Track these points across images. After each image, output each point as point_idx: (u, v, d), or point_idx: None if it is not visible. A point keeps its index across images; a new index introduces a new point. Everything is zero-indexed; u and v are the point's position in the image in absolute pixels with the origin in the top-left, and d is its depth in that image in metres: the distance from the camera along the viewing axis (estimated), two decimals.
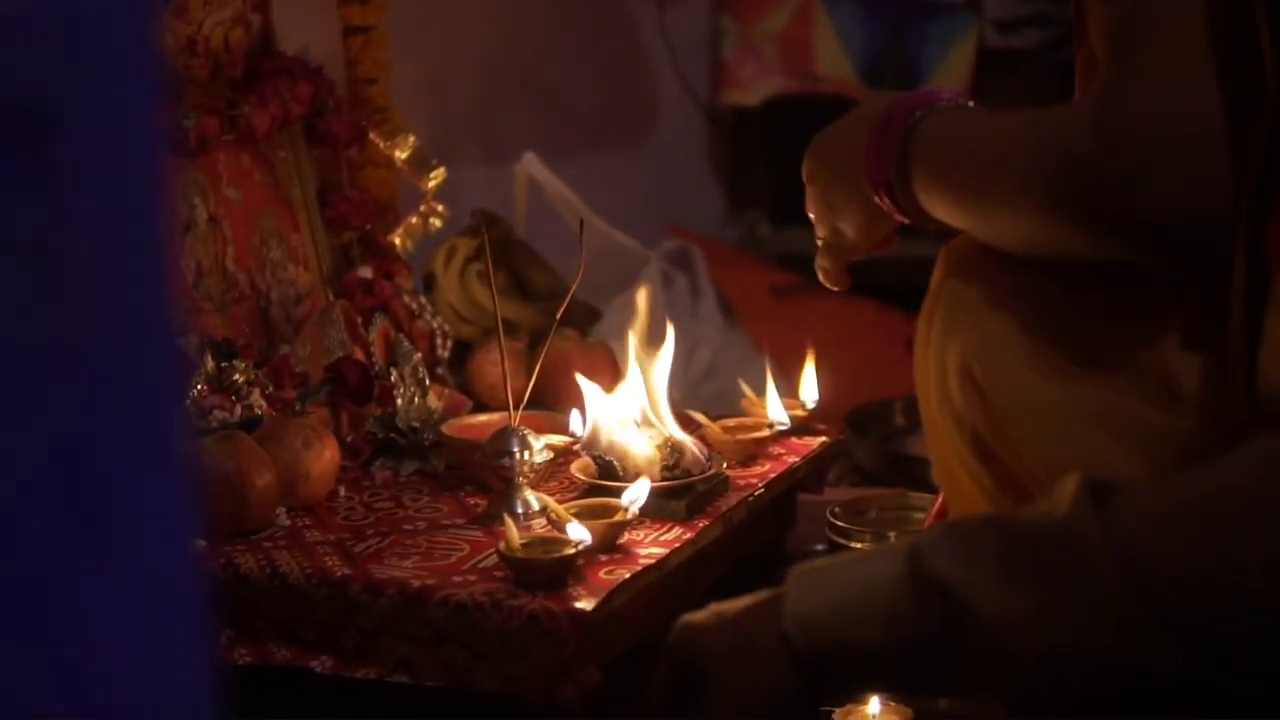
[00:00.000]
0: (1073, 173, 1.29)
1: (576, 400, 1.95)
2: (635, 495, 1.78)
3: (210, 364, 1.98)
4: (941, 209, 1.47)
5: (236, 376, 1.99)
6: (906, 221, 1.56)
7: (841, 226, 1.64)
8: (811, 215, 1.68)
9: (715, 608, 1.40)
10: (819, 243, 1.69)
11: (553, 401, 2.12)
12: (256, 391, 2.00)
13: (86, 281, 0.72)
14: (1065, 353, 1.41)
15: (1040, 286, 1.43)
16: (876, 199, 1.54)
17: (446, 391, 2.20)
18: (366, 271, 2.31)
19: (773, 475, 2.00)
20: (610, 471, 1.87)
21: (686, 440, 1.90)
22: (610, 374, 2.17)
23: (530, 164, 2.72)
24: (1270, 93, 1.26)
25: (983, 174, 1.42)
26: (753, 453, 2.04)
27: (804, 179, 1.67)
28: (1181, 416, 1.36)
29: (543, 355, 1.95)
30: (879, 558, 1.34)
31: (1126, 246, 1.29)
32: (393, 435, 2.06)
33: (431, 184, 2.36)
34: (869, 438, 2.51)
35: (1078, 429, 1.40)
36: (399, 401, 2.09)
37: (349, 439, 2.07)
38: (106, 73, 0.68)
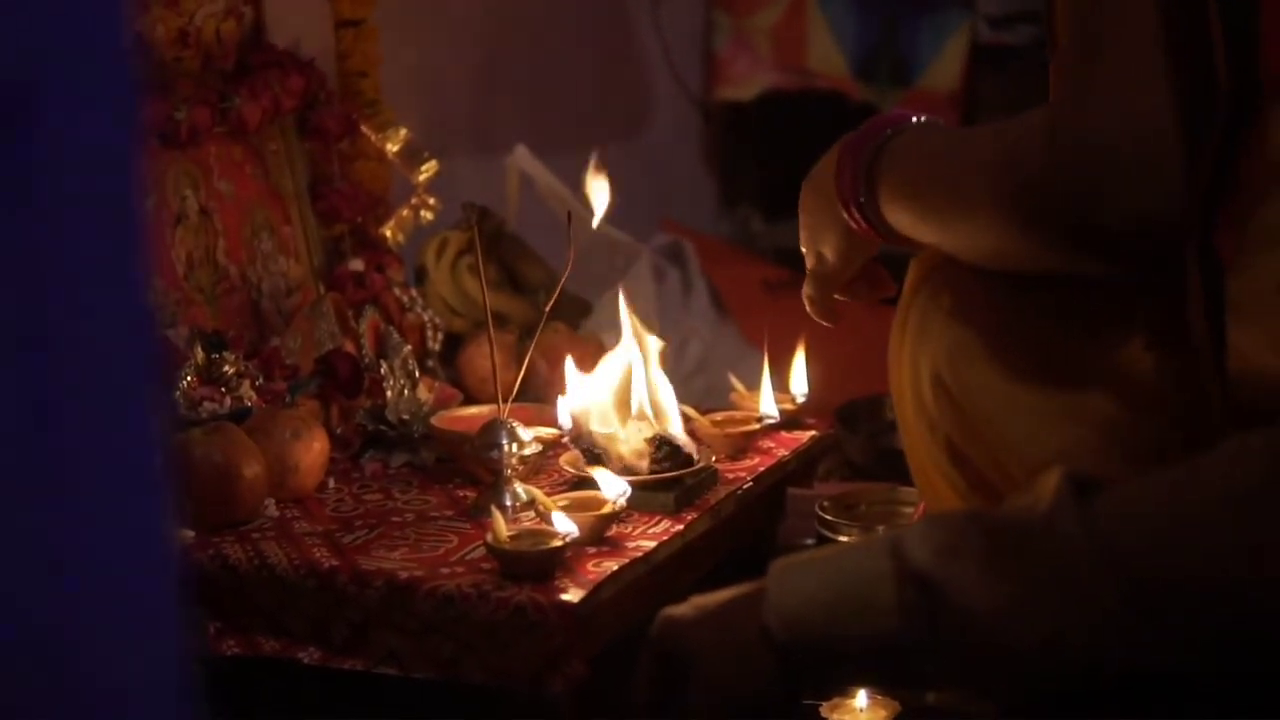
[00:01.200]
0: (1028, 186, 1.29)
1: (564, 392, 1.95)
2: (623, 488, 1.78)
3: (200, 355, 1.98)
4: (907, 224, 1.48)
5: (226, 368, 1.99)
6: (880, 242, 1.56)
7: (824, 252, 1.64)
8: (802, 247, 1.68)
9: (696, 600, 1.40)
10: (807, 271, 1.69)
11: (542, 394, 2.12)
12: (246, 383, 2.00)
13: (60, 269, 0.72)
14: (1035, 357, 1.42)
15: (1009, 294, 1.43)
16: (845, 215, 1.54)
17: (436, 384, 2.20)
18: (357, 264, 2.31)
19: (762, 469, 2.00)
20: (598, 464, 1.87)
21: (676, 434, 1.90)
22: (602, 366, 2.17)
23: (522, 158, 2.72)
24: (1219, 103, 1.27)
25: (944, 189, 1.43)
26: (742, 446, 2.04)
27: (799, 211, 1.67)
28: (1153, 416, 1.37)
29: (532, 348, 1.96)
30: (860, 551, 1.34)
31: (1082, 257, 1.29)
32: (382, 427, 2.06)
33: (423, 177, 2.36)
34: (859, 433, 2.51)
35: (1049, 431, 1.40)
36: (389, 394, 2.09)
37: (339, 431, 2.07)
38: (81, 58, 0.68)
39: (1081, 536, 1.22)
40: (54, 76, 0.68)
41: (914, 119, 1.51)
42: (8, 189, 0.67)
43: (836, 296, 1.68)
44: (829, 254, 1.63)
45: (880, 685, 1.67)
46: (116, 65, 0.69)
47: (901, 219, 1.48)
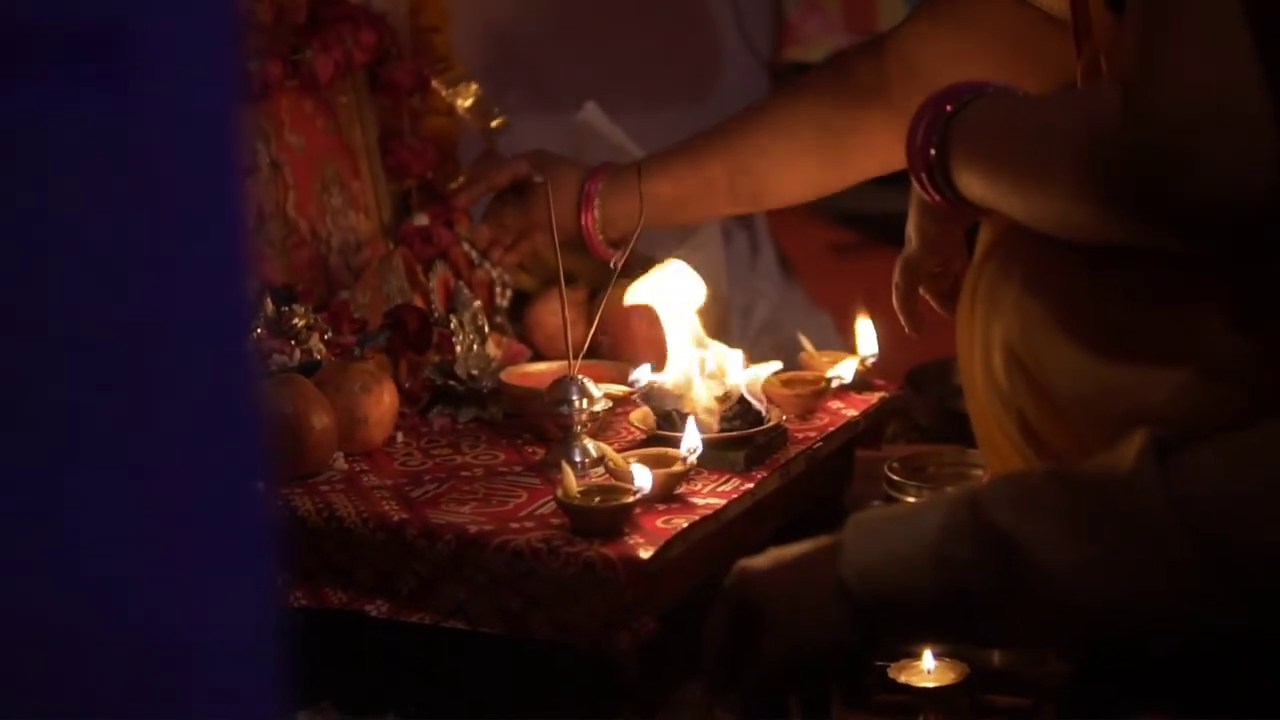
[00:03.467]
0: (1106, 159, 1.26)
1: (636, 349, 1.95)
2: (694, 444, 1.77)
3: (270, 308, 1.99)
4: (980, 192, 1.45)
5: (296, 321, 1.99)
6: (960, 220, 1.55)
7: (910, 233, 1.62)
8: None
9: (773, 552, 1.40)
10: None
11: (611, 352, 2.12)
12: (316, 336, 2.00)
13: (162, 212, 0.71)
14: (1113, 332, 1.39)
15: (1083, 266, 1.40)
16: (916, 183, 1.52)
17: (505, 340, 2.20)
18: (425, 219, 2.30)
19: (831, 429, 1.99)
20: (669, 422, 1.87)
21: (746, 391, 1.89)
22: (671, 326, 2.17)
23: (592, 114, 2.71)
24: None
25: (1021, 157, 1.40)
26: (811, 407, 2.03)
27: None
28: (1235, 392, 1.34)
29: (602, 305, 1.95)
30: (938, 507, 1.34)
31: (1162, 229, 1.26)
32: (451, 382, 2.06)
33: (495, 126, 2.36)
34: (927, 395, 2.50)
35: (1126, 406, 1.37)
36: (458, 349, 2.09)
37: (407, 385, 2.07)
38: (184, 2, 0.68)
39: (1163, 495, 1.21)
40: (157, 18, 0.68)
41: (992, 86, 1.49)
42: (113, 126, 0.67)
43: (922, 293, 1.66)
44: (912, 234, 1.61)
45: (953, 641, 1.66)
46: (215, 11, 0.69)
47: (974, 187, 1.45)
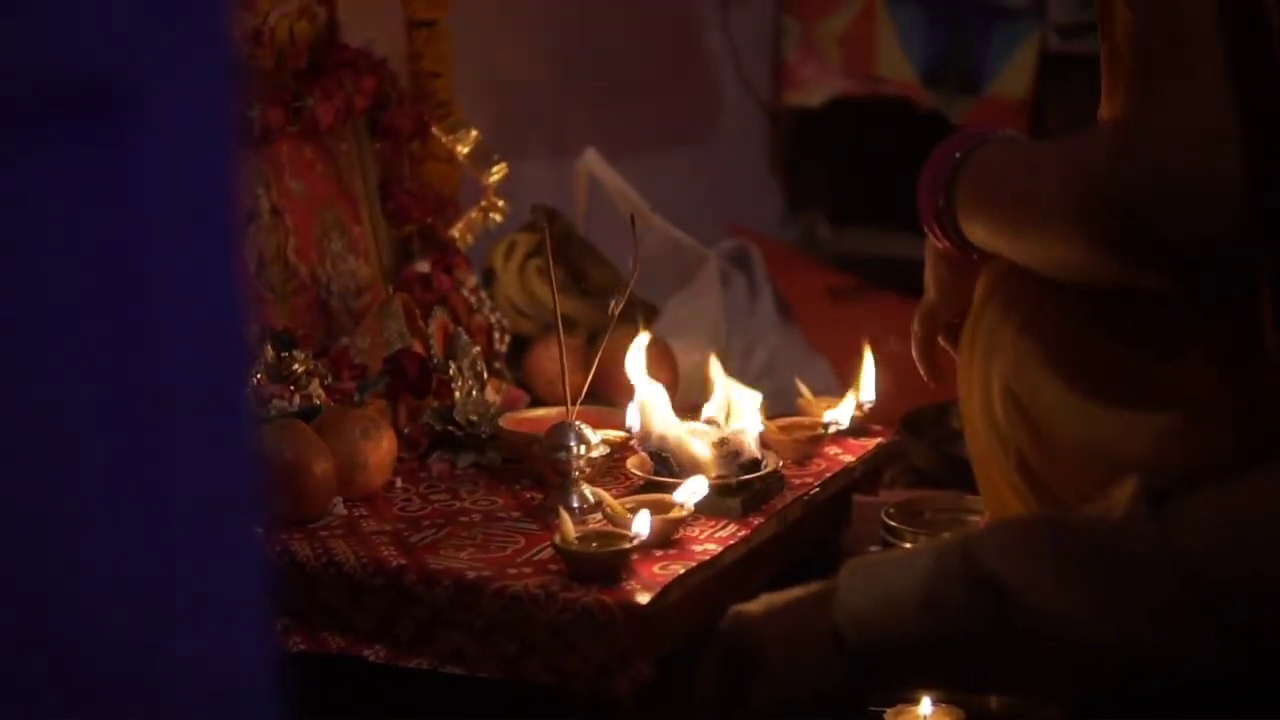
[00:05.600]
0: (1092, 200, 1.29)
1: (632, 396, 1.95)
2: (691, 491, 1.78)
3: (270, 353, 1.99)
4: (982, 235, 1.48)
5: (295, 366, 2.00)
6: (972, 267, 1.56)
7: (927, 282, 1.63)
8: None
9: (767, 598, 1.41)
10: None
11: (609, 397, 2.13)
12: (315, 381, 2.01)
13: (157, 263, 0.72)
14: (1105, 373, 1.41)
15: (1078, 309, 1.42)
16: (927, 229, 1.54)
17: (504, 385, 2.21)
18: (426, 265, 2.32)
19: (828, 474, 2.00)
20: (666, 468, 1.88)
21: (744, 438, 1.90)
22: (668, 370, 2.18)
23: (591, 160, 2.72)
24: None
25: (1016, 199, 1.43)
26: (808, 452, 2.04)
27: None
28: (1222, 434, 1.36)
29: (600, 351, 1.96)
30: (931, 553, 1.35)
31: (1148, 273, 1.29)
32: (450, 428, 2.06)
33: (492, 179, 2.37)
34: (925, 440, 2.50)
35: (1118, 445, 1.39)
36: (457, 394, 2.10)
37: (406, 431, 2.07)
38: (184, 52, 0.69)
39: (1155, 541, 1.22)
40: (157, 68, 0.69)
41: (996, 133, 1.51)
42: (109, 180, 0.68)
43: (941, 342, 1.67)
44: (930, 283, 1.63)
45: (947, 688, 1.67)
46: (218, 59, 0.70)
47: (978, 231, 1.48)
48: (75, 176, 0.71)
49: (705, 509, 1.82)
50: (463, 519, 1.87)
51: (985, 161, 1.49)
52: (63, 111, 0.70)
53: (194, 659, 0.79)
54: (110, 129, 0.69)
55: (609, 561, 1.68)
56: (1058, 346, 1.43)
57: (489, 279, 2.49)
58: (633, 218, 2.08)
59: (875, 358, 2.14)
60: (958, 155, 1.50)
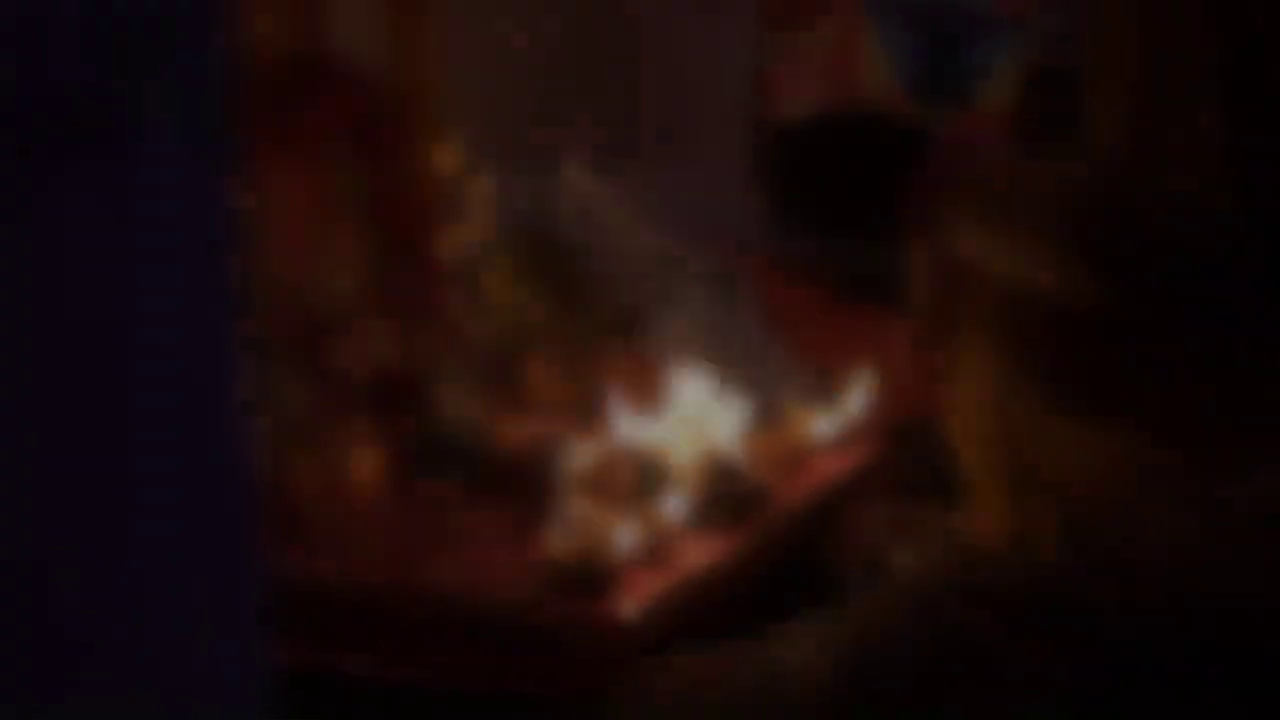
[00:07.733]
0: (1078, 222, 1.30)
1: (619, 408, 1.96)
2: (677, 504, 1.79)
3: (255, 369, 1.99)
4: (972, 250, 1.48)
5: (282, 381, 2.00)
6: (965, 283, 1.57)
7: (914, 294, 1.64)
8: None
9: None
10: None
11: (596, 410, 2.12)
12: (301, 396, 2.01)
13: (154, 282, 0.72)
14: (1091, 398, 1.42)
15: (1064, 330, 1.43)
16: (915, 240, 1.55)
17: (490, 399, 2.20)
18: (411, 278, 2.31)
19: (814, 487, 2.00)
20: (651, 481, 1.88)
21: (729, 451, 1.90)
22: (653, 382, 2.17)
23: (576, 174, 2.72)
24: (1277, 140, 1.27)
25: (1003, 216, 1.44)
26: (794, 465, 2.04)
27: None
28: (1193, 451, 1.37)
29: (587, 364, 1.96)
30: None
31: (1131, 294, 1.30)
32: (436, 441, 2.06)
33: (478, 191, 2.37)
34: (911, 453, 2.50)
35: (1088, 461, 1.40)
36: (443, 408, 2.10)
37: (392, 445, 2.07)
38: (180, 73, 0.69)
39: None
40: (150, 90, 0.69)
41: (982, 151, 1.53)
42: (106, 202, 0.68)
43: (928, 355, 1.68)
44: (925, 296, 1.63)
45: None
46: (213, 79, 0.70)
47: (968, 247, 1.48)
48: (74, 202, 0.71)
49: (691, 522, 1.82)
50: (449, 532, 1.87)
51: (976, 179, 1.50)
52: (51, 127, 0.70)
53: (179, 671, 0.79)
54: (107, 154, 0.69)
55: (595, 575, 1.68)
56: (1044, 362, 1.44)
57: (474, 291, 2.49)
58: (618, 229, 2.08)
59: (862, 370, 2.14)
60: (951, 173, 1.51)
